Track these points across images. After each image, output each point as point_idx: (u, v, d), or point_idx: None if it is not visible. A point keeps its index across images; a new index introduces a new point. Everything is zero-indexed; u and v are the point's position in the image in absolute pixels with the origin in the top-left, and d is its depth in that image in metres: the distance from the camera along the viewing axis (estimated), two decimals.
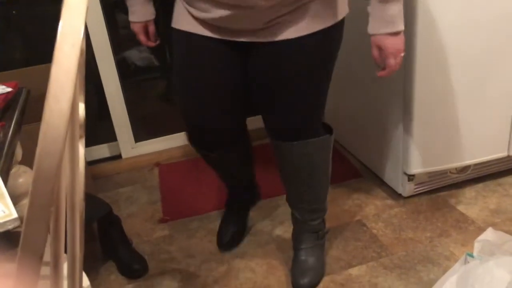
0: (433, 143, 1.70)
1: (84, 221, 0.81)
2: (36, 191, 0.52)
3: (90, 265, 1.65)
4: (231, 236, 1.67)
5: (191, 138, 1.42)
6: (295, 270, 1.49)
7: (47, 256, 0.61)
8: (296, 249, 1.53)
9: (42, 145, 0.52)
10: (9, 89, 1.12)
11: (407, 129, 1.68)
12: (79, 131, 0.67)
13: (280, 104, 1.27)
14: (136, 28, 1.41)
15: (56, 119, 0.52)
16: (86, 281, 0.94)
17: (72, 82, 0.53)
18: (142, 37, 1.42)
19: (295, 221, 1.54)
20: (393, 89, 1.71)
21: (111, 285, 1.56)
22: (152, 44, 1.45)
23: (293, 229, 1.57)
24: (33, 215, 0.52)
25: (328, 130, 1.37)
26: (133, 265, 1.59)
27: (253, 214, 1.84)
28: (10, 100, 1.10)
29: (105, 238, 1.65)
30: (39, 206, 0.52)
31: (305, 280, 1.46)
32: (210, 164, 1.54)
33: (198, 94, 1.29)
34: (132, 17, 1.39)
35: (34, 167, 0.53)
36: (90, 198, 1.58)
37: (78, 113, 0.62)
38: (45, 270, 0.63)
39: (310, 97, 1.26)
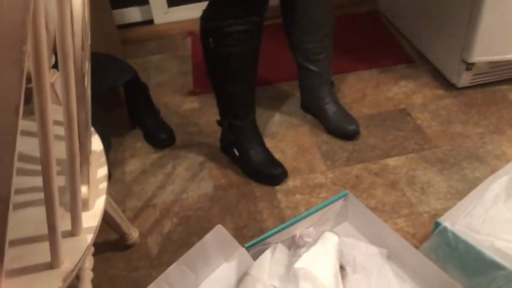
0: (501, 29, 1.46)
1: (100, 81, 0.71)
2: (1, 24, 0.40)
3: (117, 131, 1.61)
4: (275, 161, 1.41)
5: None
6: (336, 121, 1.49)
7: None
8: (323, 106, 1.51)
9: None
10: None
11: (475, 11, 1.44)
12: None
13: None
14: None
15: None
16: (99, 145, 0.87)
17: None
18: None
19: (312, 79, 1.50)
20: None
21: (137, 152, 1.52)
22: None
23: (309, 93, 1.55)
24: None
25: None
26: (159, 134, 1.53)
27: (286, 95, 1.71)
28: None
29: (131, 105, 1.58)
30: (6, 45, 0.41)
31: (352, 126, 1.48)
32: (232, 47, 1.21)
33: None
34: None
35: None
36: (114, 62, 1.48)
37: None
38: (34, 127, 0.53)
39: None
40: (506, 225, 1.02)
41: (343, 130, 1.48)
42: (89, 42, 0.68)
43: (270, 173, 1.37)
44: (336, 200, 1.17)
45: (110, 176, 1.44)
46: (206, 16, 1.21)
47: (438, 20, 1.66)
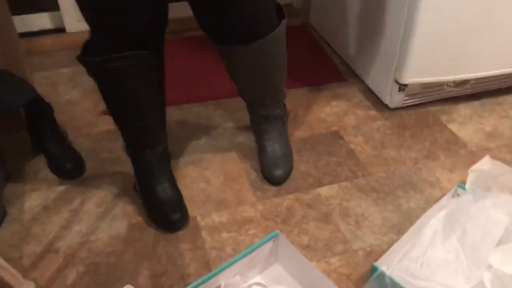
0: (434, 52, 1.42)
1: None
2: None
3: (17, 158, 1.39)
4: (178, 205, 1.22)
5: (99, 32, 1.01)
6: (265, 162, 1.34)
7: None
8: (261, 140, 1.37)
9: None
10: None
11: (408, 33, 1.38)
12: None
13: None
14: None
15: None
16: None
17: None
18: None
19: (255, 113, 1.36)
20: None
21: (39, 184, 1.32)
22: None
23: (252, 121, 1.39)
24: None
25: (280, 12, 1.13)
26: (65, 163, 1.33)
27: (212, 115, 1.58)
28: None
29: (33, 129, 1.38)
30: None
31: (279, 171, 1.33)
32: (116, 83, 1.07)
33: None
34: None
35: None
36: (11, 80, 1.28)
37: None
38: None
39: None
40: (444, 268, 0.96)
41: (269, 174, 1.32)
42: None
43: (165, 216, 1.18)
44: (266, 242, 1.05)
45: (5, 214, 1.23)
46: (86, 47, 1.04)
47: (371, 39, 1.59)
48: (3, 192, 1.27)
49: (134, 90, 1.07)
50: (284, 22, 1.12)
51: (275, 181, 1.32)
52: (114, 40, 0.99)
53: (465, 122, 1.54)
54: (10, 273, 0.96)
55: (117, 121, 1.17)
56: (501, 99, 1.63)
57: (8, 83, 1.28)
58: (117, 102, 1.11)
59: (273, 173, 1.32)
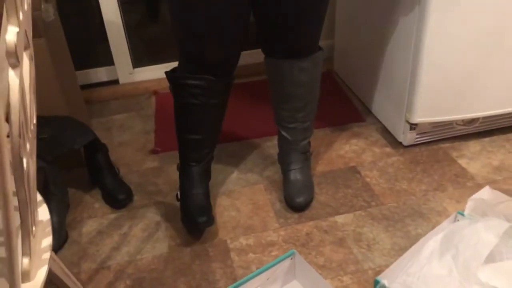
0: (441, 92, 1.59)
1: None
2: None
3: (77, 191, 1.64)
4: (206, 211, 1.43)
5: (194, 58, 1.29)
6: (289, 190, 1.53)
7: None
8: (286, 170, 1.56)
9: None
10: None
11: (415, 75, 1.56)
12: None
13: (301, 23, 1.28)
14: None
15: None
16: (46, 215, 0.90)
17: None
18: None
19: (284, 143, 1.55)
20: (404, 30, 1.57)
21: (95, 212, 1.55)
22: None
23: (280, 153, 1.59)
24: None
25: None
26: (117, 194, 1.56)
27: (244, 152, 1.78)
28: None
29: (91, 165, 1.63)
30: None
31: (300, 199, 1.50)
32: (188, 98, 1.33)
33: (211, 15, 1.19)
34: None
35: None
36: (74, 124, 1.53)
37: None
38: None
39: (323, 13, 1.31)
40: (438, 282, 1.09)
41: (291, 201, 1.50)
42: (33, 125, 0.74)
43: (193, 218, 1.39)
44: (284, 259, 1.22)
45: (67, 237, 1.46)
46: (174, 70, 1.35)
47: (384, 83, 1.78)
48: (66, 219, 1.50)
49: (200, 107, 1.33)
50: (322, 52, 1.41)
51: (296, 208, 1.49)
52: (199, 69, 1.28)
53: (474, 158, 1.67)
54: (73, 282, 1.17)
55: (179, 131, 1.42)
56: (510, 135, 1.75)
57: (71, 127, 1.54)
58: (183, 114, 1.37)
59: (295, 200, 1.49)
